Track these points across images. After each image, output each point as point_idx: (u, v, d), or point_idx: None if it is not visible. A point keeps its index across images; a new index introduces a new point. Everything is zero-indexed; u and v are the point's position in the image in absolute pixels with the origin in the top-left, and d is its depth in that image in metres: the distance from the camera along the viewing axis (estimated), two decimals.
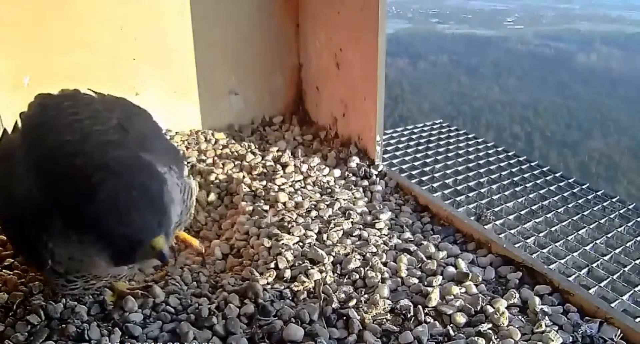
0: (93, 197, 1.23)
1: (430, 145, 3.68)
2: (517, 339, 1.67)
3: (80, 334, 1.58)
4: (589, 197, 2.98)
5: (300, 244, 2.18)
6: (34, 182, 1.35)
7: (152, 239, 1.29)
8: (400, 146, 3.67)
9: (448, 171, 3.25)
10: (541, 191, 3.02)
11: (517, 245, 2.33)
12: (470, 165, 3.35)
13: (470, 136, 3.89)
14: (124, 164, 1.33)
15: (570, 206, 2.88)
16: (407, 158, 3.44)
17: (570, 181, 3.19)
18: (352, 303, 1.81)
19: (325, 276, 1.95)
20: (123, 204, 1.24)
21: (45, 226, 1.32)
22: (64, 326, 1.60)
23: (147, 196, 1.30)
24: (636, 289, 2.14)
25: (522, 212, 2.76)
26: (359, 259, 2.06)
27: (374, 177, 2.75)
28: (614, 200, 2.96)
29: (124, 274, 1.62)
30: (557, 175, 3.25)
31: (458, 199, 2.87)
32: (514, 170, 3.32)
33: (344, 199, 2.52)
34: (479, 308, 1.81)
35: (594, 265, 2.30)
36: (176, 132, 3.21)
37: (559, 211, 2.80)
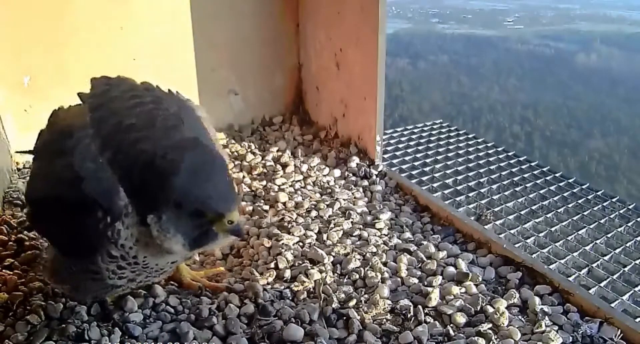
0: (175, 173, 1.27)
1: (430, 145, 3.68)
2: (517, 339, 1.67)
3: (80, 334, 1.58)
4: (589, 197, 2.98)
5: (300, 244, 2.18)
6: (107, 162, 1.35)
7: (231, 211, 1.35)
8: (400, 146, 3.66)
9: (448, 171, 3.24)
10: (541, 191, 3.02)
11: (517, 245, 2.32)
12: (470, 165, 3.35)
13: (470, 136, 3.89)
14: (194, 144, 1.38)
15: (570, 206, 2.87)
16: (407, 158, 3.43)
17: (570, 181, 3.18)
18: (352, 303, 1.81)
19: (325, 276, 1.95)
20: (205, 177, 1.31)
21: (115, 205, 1.32)
22: (64, 326, 1.60)
23: (222, 170, 1.39)
24: (636, 289, 2.14)
25: (522, 212, 2.75)
26: (359, 259, 2.06)
27: (374, 177, 2.75)
28: (614, 200, 2.95)
29: (167, 270, 1.63)
30: (557, 175, 3.25)
31: (458, 199, 2.87)
32: (514, 170, 3.31)
33: (344, 199, 2.52)
34: (479, 308, 1.81)
35: (594, 265, 2.30)
36: None
37: (559, 211, 2.80)
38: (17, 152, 2.71)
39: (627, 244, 2.50)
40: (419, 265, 2.06)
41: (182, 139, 1.42)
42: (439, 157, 3.45)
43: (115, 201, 1.32)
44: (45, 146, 1.52)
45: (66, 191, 1.35)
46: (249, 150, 3.09)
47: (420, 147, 3.63)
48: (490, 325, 1.71)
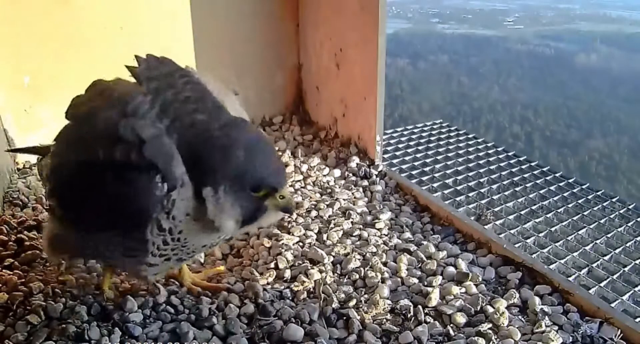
0: (236, 147, 1.32)
1: (430, 145, 3.68)
2: (517, 339, 1.67)
3: (80, 334, 1.58)
4: (589, 197, 2.98)
5: (300, 244, 2.18)
6: (165, 128, 1.34)
7: (284, 186, 1.43)
8: (400, 146, 3.66)
9: (448, 171, 3.25)
10: (541, 191, 3.02)
11: (517, 245, 2.32)
12: (470, 165, 3.35)
13: (470, 136, 3.89)
14: (244, 122, 1.43)
15: (570, 206, 2.87)
16: (407, 158, 3.43)
17: (570, 181, 3.18)
18: (352, 303, 1.81)
19: (325, 276, 1.95)
20: (260, 152, 1.37)
21: (173, 173, 1.31)
22: (64, 326, 1.60)
23: (272, 146, 1.45)
24: (636, 289, 2.14)
25: (522, 212, 2.75)
26: (359, 259, 2.06)
27: (374, 177, 2.75)
28: (614, 200, 2.95)
29: (197, 253, 1.64)
30: (557, 175, 3.25)
31: (458, 199, 2.87)
32: (514, 170, 3.31)
33: (344, 199, 2.52)
34: (479, 308, 1.81)
35: (594, 265, 2.30)
36: None
37: (559, 211, 2.80)
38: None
39: (627, 244, 2.50)
40: (419, 265, 2.06)
41: (233, 117, 1.44)
42: (439, 157, 3.45)
43: (174, 169, 1.31)
44: (95, 110, 1.41)
45: (126, 153, 1.30)
46: None
47: (420, 147, 3.63)
48: (490, 325, 1.71)
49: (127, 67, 1.51)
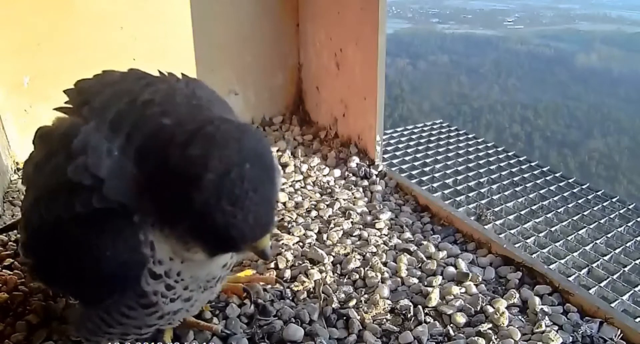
0: (198, 180, 0.91)
1: (430, 145, 3.68)
2: (517, 339, 1.67)
3: None
4: (589, 197, 2.98)
5: (300, 244, 2.18)
6: (120, 150, 1.04)
7: (261, 238, 1.04)
8: (400, 146, 3.66)
9: (448, 171, 3.25)
10: (541, 191, 3.02)
11: (517, 245, 2.33)
12: (470, 165, 3.35)
13: (470, 136, 3.89)
14: (226, 131, 0.98)
15: (570, 206, 2.87)
16: (407, 158, 3.44)
17: (570, 181, 3.19)
18: (352, 303, 1.81)
19: (325, 276, 1.95)
20: (238, 185, 0.93)
21: (145, 210, 1.04)
22: (64, 326, 1.60)
23: (266, 175, 0.99)
24: (636, 289, 2.14)
25: (522, 212, 2.75)
26: (359, 259, 2.06)
27: (374, 177, 2.75)
28: (614, 200, 2.95)
29: (222, 275, 1.38)
30: (557, 175, 3.25)
31: (458, 199, 2.87)
32: (514, 170, 3.32)
33: (344, 199, 2.52)
34: (479, 308, 1.81)
35: (594, 265, 2.30)
36: None
37: (559, 211, 2.80)
38: None
39: (627, 244, 2.50)
40: (419, 265, 2.06)
41: (211, 116, 1.10)
42: (439, 157, 3.45)
43: (148, 204, 1.02)
44: (41, 161, 1.17)
45: (87, 200, 1.03)
46: None
47: (420, 147, 3.63)
48: (490, 325, 1.71)
49: (58, 109, 1.24)
